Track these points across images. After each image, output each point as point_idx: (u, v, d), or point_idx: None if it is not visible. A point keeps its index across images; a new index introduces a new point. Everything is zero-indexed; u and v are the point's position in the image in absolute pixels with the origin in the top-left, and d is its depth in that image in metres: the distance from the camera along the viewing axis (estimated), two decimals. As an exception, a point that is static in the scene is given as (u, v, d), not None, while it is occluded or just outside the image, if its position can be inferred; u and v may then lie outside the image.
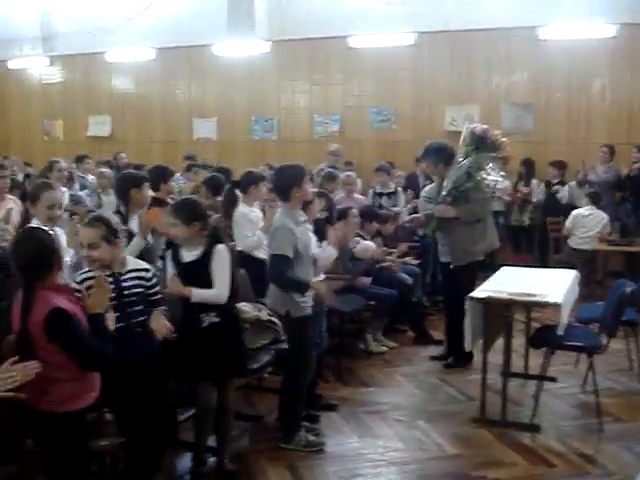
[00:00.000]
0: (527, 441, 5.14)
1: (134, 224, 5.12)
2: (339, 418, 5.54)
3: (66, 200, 7.80)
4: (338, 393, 6.03)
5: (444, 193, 6.57)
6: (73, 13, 14.73)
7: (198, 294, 4.32)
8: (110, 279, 3.78)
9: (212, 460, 4.66)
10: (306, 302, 4.92)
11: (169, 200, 5.70)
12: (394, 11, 11.98)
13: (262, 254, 5.99)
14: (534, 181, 11.01)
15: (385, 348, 7.25)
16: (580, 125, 11.23)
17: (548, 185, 10.88)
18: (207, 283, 4.34)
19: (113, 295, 3.67)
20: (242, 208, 6.64)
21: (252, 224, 6.46)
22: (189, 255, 4.40)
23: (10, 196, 6.62)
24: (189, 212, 4.39)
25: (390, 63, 12.30)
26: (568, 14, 10.60)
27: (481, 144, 6.55)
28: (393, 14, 11.97)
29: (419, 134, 11.43)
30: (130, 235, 4.91)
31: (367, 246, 7.17)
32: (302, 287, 4.84)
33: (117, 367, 3.52)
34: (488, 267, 7.23)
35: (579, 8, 10.53)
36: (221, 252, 4.39)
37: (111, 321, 3.56)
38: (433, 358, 6.96)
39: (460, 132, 6.90)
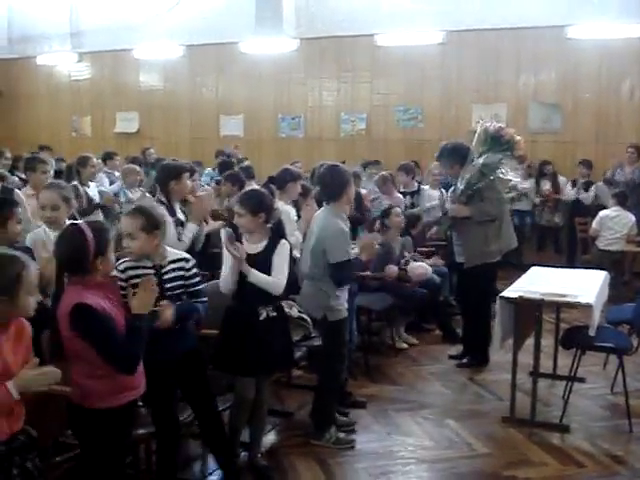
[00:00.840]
0: (556, 441, 5.14)
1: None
2: (368, 415, 5.56)
3: (97, 195, 7.91)
4: (367, 391, 6.05)
5: (458, 192, 6.57)
6: (102, 10, 14.87)
7: (256, 275, 4.27)
8: (152, 271, 3.78)
9: (244, 455, 4.70)
10: (342, 305, 4.96)
11: (190, 198, 5.69)
12: (422, 9, 11.97)
13: (295, 252, 5.99)
14: (562, 179, 10.98)
15: (406, 345, 7.29)
16: (609, 125, 11.18)
17: (575, 185, 10.84)
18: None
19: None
20: (277, 204, 6.55)
21: (291, 223, 6.35)
22: (252, 247, 4.37)
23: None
24: (256, 203, 4.35)
25: (417, 61, 12.31)
26: (597, 13, 10.52)
27: (495, 143, 6.52)
28: (421, 12, 11.97)
29: (446, 133, 11.41)
30: (180, 224, 5.02)
31: (419, 267, 7.15)
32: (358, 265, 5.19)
33: (157, 362, 3.57)
34: (517, 267, 7.22)
35: (608, 7, 10.44)
36: (284, 246, 4.42)
37: (169, 315, 3.64)
38: (451, 357, 6.96)
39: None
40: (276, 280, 4.33)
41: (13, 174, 10.94)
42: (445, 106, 12.24)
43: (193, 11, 13.82)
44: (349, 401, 5.63)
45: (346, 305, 5.02)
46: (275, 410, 5.44)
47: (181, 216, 5.37)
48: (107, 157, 10.79)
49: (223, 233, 4.43)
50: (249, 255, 4.30)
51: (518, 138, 6.64)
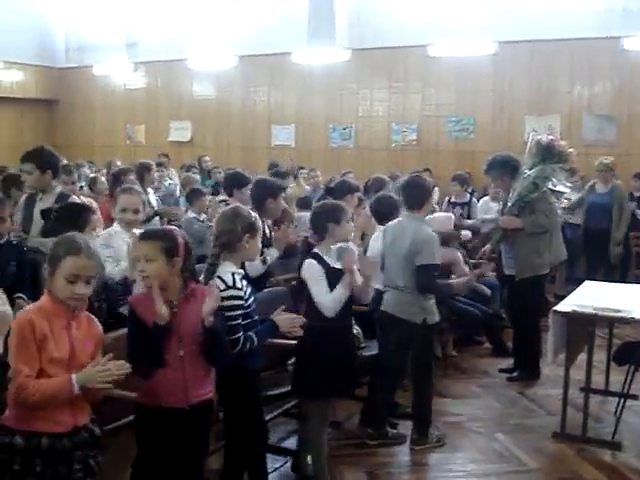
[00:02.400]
0: (608, 458, 5.07)
1: None
2: (417, 427, 5.56)
3: (154, 202, 8.01)
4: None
5: (510, 204, 6.55)
6: (156, 21, 15.16)
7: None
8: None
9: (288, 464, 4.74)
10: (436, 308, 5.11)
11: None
12: (474, 20, 11.94)
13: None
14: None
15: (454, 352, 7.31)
16: (664, 138, 11.00)
17: (632, 198, 10.66)
18: None
19: None
20: None
21: None
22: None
23: (85, 199, 6.69)
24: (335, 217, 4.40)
25: (469, 72, 12.27)
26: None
27: (548, 155, 6.49)
28: (473, 23, 11.93)
29: (498, 144, 11.33)
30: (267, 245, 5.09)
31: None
32: (446, 289, 5.27)
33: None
34: (572, 281, 7.15)
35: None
36: None
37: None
38: (502, 370, 6.88)
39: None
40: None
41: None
42: (497, 117, 12.17)
43: (246, 22, 13.99)
44: (398, 412, 5.63)
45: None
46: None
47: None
48: (158, 166, 10.90)
49: (339, 251, 4.36)
50: (336, 269, 4.33)
51: (570, 150, 6.62)
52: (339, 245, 4.35)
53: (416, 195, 5.13)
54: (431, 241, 4.99)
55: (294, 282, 5.68)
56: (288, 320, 3.83)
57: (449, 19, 12.14)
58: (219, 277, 3.71)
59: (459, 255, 6.69)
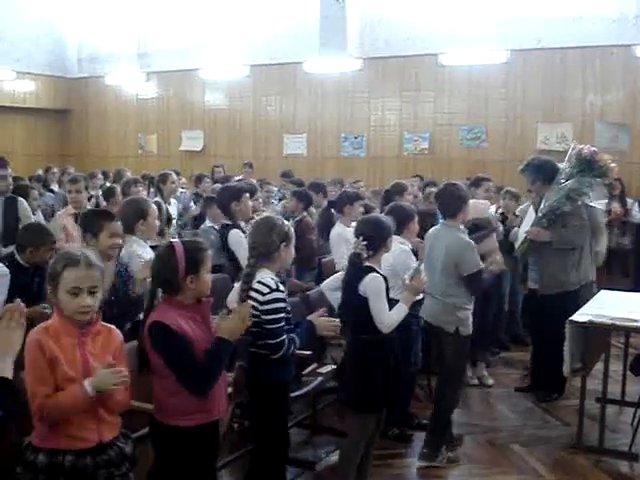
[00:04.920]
0: (625, 469, 5.04)
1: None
2: (432, 438, 5.52)
3: (175, 212, 8.01)
4: (430, 412, 5.99)
5: (540, 214, 6.24)
6: (168, 31, 15.22)
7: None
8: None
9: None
10: (470, 319, 5.08)
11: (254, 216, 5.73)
12: (486, 28, 11.94)
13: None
14: (629, 200, 10.76)
15: (491, 381, 6.91)
16: (678, 145, 10.94)
17: (644, 207, 10.61)
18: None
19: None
20: (338, 228, 6.60)
21: (349, 244, 6.37)
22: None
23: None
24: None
25: (481, 81, 12.26)
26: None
27: (587, 167, 6.13)
28: (484, 31, 11.93)
29: (510, 153, 11.35)
30: None
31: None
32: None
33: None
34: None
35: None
36: None
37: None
38: (517, 390, 6.66)
39: (553, 151, 6.70)
40: None
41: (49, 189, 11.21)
42: (509, 126, 12.14)
43: (258, 31, 14.04)
44: (413, 423, 5.60)
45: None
46: (338, 430, 5.43)
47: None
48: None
49: (415, 271, 4.39)
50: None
51: (613, 165, 6.23)
52: (416, 264, 4.51)
53: (450, 204, 5.13)
54: (469, 247, 5.01)
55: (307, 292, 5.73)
56: (325, 321, 3.93)
57: (461, 28, 12.15)
58: (260, 282, 3.74)
59: (497, 244, 6.36)
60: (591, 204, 6.21)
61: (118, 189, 7.19)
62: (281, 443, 3.95)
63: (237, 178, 10.61)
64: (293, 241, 3.95)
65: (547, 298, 6.29)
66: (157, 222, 5.08)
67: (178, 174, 10.91)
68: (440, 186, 5.44)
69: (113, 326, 3.14)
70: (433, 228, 5.38)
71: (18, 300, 2.61)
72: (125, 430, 3.11)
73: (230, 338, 3.28)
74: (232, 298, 3.99)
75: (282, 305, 3.73)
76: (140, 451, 3.20)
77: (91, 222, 4.45)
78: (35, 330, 2.91)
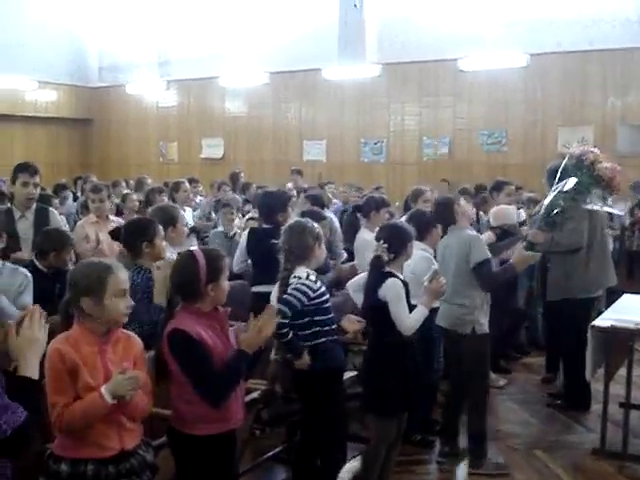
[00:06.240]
0: (650, 475, 5.00)
1: None
2: (454, 444, 5.50)
3: (190, 220, 8.03)
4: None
5: (539, 217, 5.96)
6: (188, 40, 15.34)
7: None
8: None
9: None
10: (486, 319, 5.07)
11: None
12: (505, 33, 11.92)
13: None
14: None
15: (502, 382, 6.91)
16: (701, 148, 10.84)
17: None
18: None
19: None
20: (363, 234, 6.43)
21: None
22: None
23: (114, 218, 6.71)
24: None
25: (501, 85, 12.24)
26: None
27: (576, 167, 5.66)
28: (504, 36, 11.92)
29: (530, 157, 11.30)
30: None
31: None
32: (510, 272, 5.20)
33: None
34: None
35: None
36: None
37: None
38: (550, 395, 6.55)
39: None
40: None
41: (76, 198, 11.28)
42: (530, 130, 12.11)
43: (277, 39, 14.11)
44: (435, 429, 5.58)
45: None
46: (360, 436, 5.42)
47: None
48: (190, 182, 10.96)
49: (434, 273, 4.37)
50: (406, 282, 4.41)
51: (601, 164, 5.69)
52: (435, 268, 4.54)
53: (447, 216, 5.22)
54: (477, 238, 5.13)
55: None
56: (351, 319, 4.29)
57: (480, 32, 12.13)
58: (295, 276, 4.11)
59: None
60: (592, 209, 5.85)
61: (134, 196, 7.26)
62: (342, 425, 4.22)
63: (288, 185, 10.69)
64: (323, 240, 4.26)
65: (553, 305, 6.28)
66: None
67: (192, 182, 10.99)
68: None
69: (132, 333, 3.16)
70: (443, 237, 5.34)
71: (37, 305, 2.64)
72: (146, 438, 3.12)
73: (249, 350, 3.28)
74: (273, 299, 4.25)
75: (305, 289, 4.07)
76: (162, 459, 3.21)
77: (145, 230, 4.38)
78: (56, 339, 2.93)
